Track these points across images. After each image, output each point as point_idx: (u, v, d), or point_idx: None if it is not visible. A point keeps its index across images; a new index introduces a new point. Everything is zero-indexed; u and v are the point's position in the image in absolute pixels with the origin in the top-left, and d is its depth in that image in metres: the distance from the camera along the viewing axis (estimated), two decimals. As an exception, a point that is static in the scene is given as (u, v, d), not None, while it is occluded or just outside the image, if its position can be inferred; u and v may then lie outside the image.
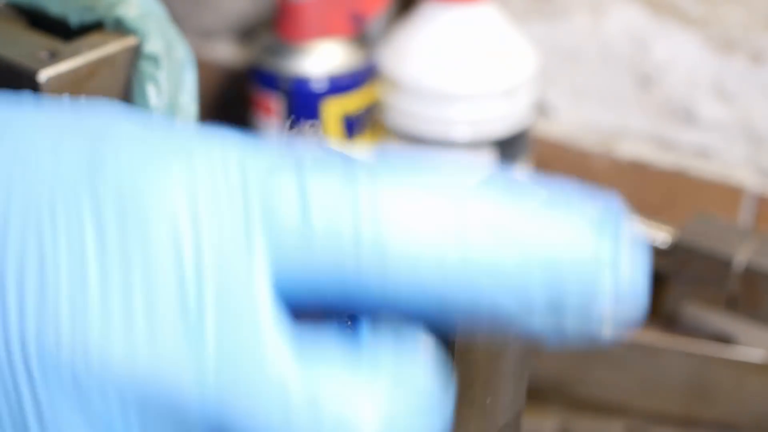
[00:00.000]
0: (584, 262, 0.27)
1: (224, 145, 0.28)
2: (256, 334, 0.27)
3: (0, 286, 0.27)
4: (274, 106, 0.89)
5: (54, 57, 0.42)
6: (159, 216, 0.26)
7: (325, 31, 0.88)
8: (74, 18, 0.45)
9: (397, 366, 0.28)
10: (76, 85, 0.42)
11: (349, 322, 0.29)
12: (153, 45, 0.44)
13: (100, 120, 0.28)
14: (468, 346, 0.32)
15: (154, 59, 0.44)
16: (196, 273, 0.26)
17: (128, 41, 0.44)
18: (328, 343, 0.28)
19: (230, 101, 1.09)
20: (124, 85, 0.45)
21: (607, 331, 0.28)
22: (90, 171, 0.27)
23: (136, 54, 0.45)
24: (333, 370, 0.27)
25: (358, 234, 0.27)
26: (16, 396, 0.27)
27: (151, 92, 0.44)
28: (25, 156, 0.27)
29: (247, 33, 1.06)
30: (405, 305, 0.28)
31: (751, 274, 0.72)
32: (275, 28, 0.90)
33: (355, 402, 0.27)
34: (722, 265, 0.72)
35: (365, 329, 0.28)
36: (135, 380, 0.26)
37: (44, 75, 0.41)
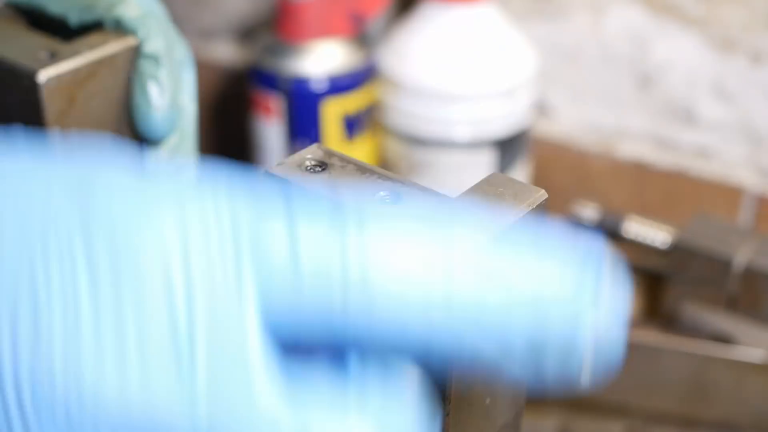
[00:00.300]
0: (565, 302, 0.28)
1: (216, 191, 0.28)
2: (246, 374, 0.27)
3: None
4: (274, 106, 0.89)
5: (54, 57, 0.42)
6: (150, 258, 0.27)
7: (325, 31, 0.88)
8: (74, 18, 0.45)
9: (384, 405, 0.28)
10: (75, 85, 0.42)
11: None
12: (154, 44, 0.45)
13: (92, 167, 0.29)
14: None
15: (155, 58, 0.44)
16: (187, 314, 0.27)
17: (128, 41, 0.44)
18: (317, 381, 0.28)
19: (230, 101, 1.09)
20: (123, 85, 0.45)
21: (586, 377, 0.28)
22: (82, 214, 0.27)
23: (136, 54, 0.45)
24: (322, 410, 0.28)
25: (346, 276, 0.27)
26: None
27: (153, 91, 0.44)
28: (15, 199, 0.28)
29: (247, 33, 1.06)
30: (391, 343, 0.28)
31: (751, 274, 0.72)
32: (275, 28, 0.90)
33: None
34: (722, 265, 0.72)
35: (353, 363, 0.29)
36: (128, 419, 0.27)
37: (44, 75, 0.41)
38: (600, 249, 0.28)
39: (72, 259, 0.27)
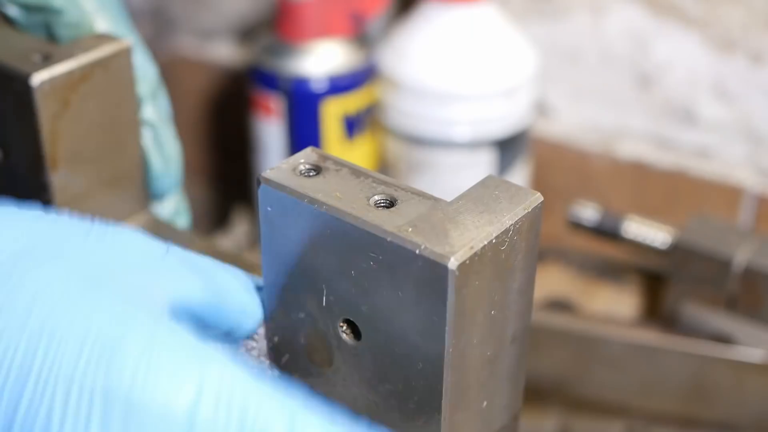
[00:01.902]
0: None
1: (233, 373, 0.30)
2: None
3: None
4: (274, 106, 0.89)
5: (47, 60, 0.42)
6: None
7: (325, 31, 0.88)
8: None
9: None
10: (69, 88, 0.42)
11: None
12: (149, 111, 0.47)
13: (121, 320, 0.30)
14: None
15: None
16: None
17: (122, 44, 0.44)
18: None
19: (230, 101, 1.09)
20: (117, 87, 0.44)
21: None
22: (106, 381, 0.29)
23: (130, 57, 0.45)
24: None
25: None
26: None
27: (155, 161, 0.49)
28: (54, 328, 0.29)
29: (247, 33, 1.06)
30: None
31: (751, 274, 0.72)
32: (275, 28, 0.90)
33: None
34: (722, 265, 0.72)
35: None
36: None
37: (37, 78, 0.41)
38: None
39: (87, 419, 0.29)
